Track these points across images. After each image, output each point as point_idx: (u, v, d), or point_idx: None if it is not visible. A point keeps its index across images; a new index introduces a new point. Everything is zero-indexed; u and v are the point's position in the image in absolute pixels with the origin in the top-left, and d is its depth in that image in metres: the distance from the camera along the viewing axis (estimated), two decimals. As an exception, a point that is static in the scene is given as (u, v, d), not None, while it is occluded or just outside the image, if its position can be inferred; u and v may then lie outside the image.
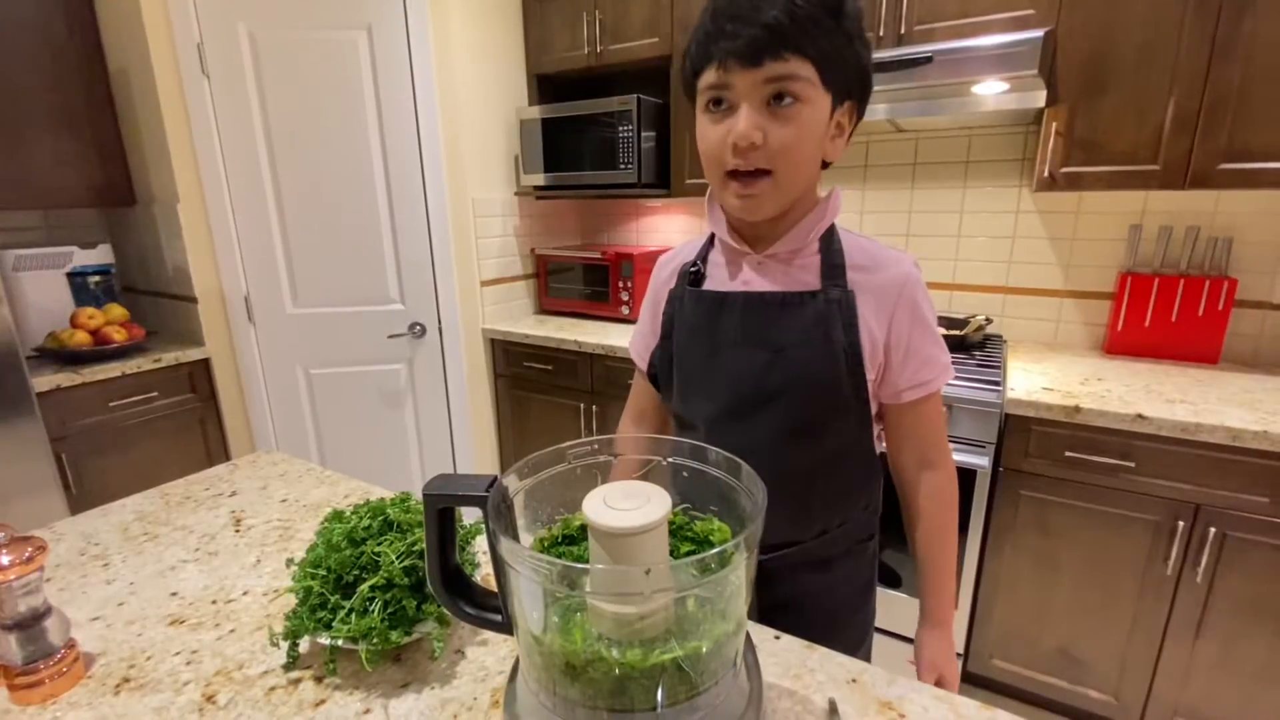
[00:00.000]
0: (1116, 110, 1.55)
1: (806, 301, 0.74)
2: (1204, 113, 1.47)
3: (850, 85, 0.69)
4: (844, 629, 0.88)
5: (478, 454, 2.54)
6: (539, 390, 2.42)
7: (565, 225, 2.86)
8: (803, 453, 0.77)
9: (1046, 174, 1.65)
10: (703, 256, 0.85)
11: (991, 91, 1.59)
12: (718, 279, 0.82)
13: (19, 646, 0.65)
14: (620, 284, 2.39)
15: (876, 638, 0.98)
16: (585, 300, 2.53)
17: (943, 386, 0.78)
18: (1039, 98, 1.57)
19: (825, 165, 0.75)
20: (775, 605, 0.83)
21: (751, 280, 0.78)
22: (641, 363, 0.95)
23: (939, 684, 0.84)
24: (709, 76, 0.68)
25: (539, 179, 2.43)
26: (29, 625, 0.65)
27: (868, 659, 0.90)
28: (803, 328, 0.74)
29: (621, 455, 0.59)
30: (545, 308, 2.69)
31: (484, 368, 2.51)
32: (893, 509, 0.91)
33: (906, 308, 0.75)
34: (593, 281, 2.48)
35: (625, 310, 2.41)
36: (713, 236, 0.85)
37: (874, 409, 0.79)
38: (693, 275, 0.83)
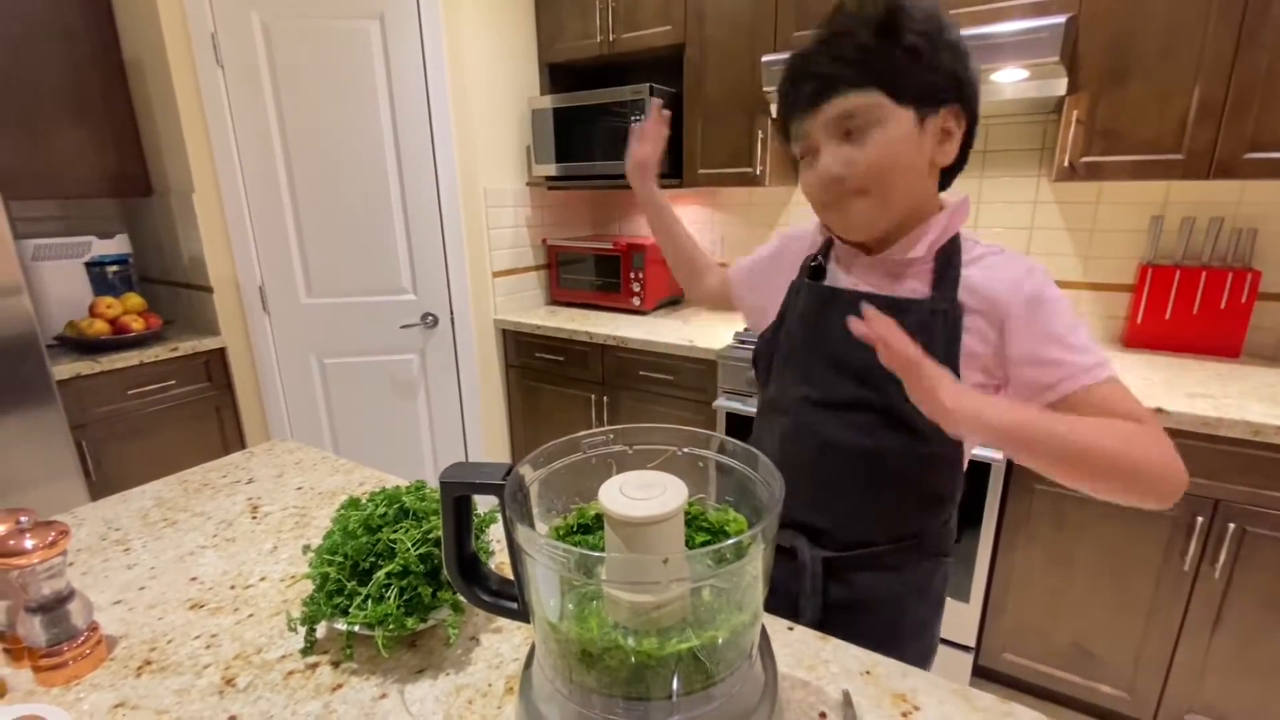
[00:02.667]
0: (1139, 98, 1.52)
1: (912, 308, 0.74)
2: (1230, 101, 1.44)
3: (938, 91, 0.70)
4: (908, 647, 0.85)
5: (489, 444, 2.56)
6: (550, 381, 2.42)
7: (577, 216, 2.85)
8: (892, 452, 0.77)
9: (1066, 164, 1.62)
10: (824, 251, 0.87)
11: (1011, 79, 1.56)
12: (834, 275, 0.85)
13: (43, 629, 0.66)
14: (631, 275, 2.39)
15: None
16: (596, 291, 2.52)
17: (1090, 384, 0.67)
18: (1060, 85, 1.54)
19: (949, 176, 0.77)
20: (841, 605, 0.83)
21: (861, 281, 0.81)
22: (737, 266, 1.05)
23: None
24: (793, 130, 0.76)
25: (550, 169, 2.42)
26: (53, 608, 0.66)
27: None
28: (906, 331, 0.68)
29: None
30: (556, 299, 2.69)
31: (495, 358, 2.52)
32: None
33: (1022, 318, 0.70)
34: (604, 272, 2.47)
35: (636, 301, 2.41)
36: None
37: None
38: (813, 269, 0.86)
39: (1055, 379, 0.69)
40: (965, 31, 1.52)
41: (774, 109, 0.83)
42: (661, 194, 1.10)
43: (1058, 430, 0.61)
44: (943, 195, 0.79)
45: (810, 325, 0.83)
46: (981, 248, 0.77)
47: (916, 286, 0.76)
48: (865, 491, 0.80)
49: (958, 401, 0.59)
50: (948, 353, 0.72)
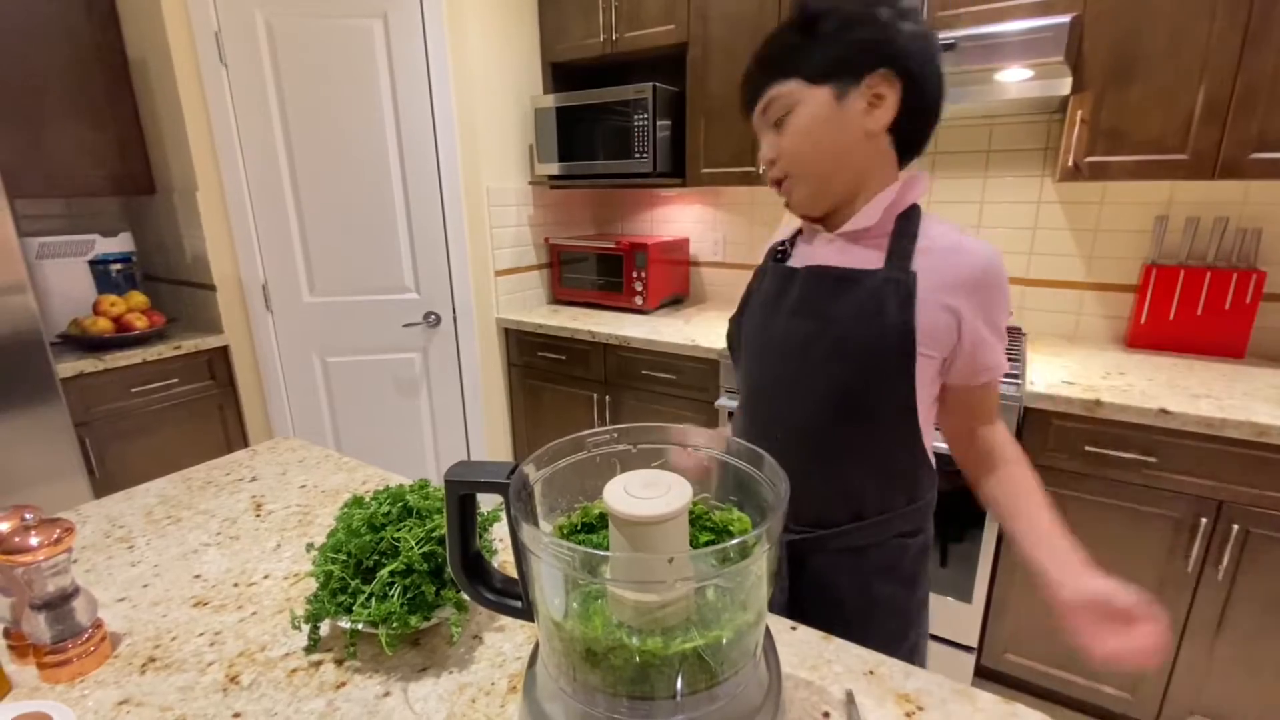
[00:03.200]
0: (1144, 98, 1.52)
1: (864, 278, 0.76)
2: (1235, 101, 1.43)
3: (855, 62, 0.72)
4: (880, 625, 0.85)
5: (491, 443, 2.56)
6: (552, 380, 2.42)
7: (579, 215, 2.85)
8: (845, 429, 0.78)
9: (1070, 163, 1.61)
10: (792, 239, 0.90)
11: (1015, 79, 1.56)
12: (797, 256, 0.87)
13: (48, 626, 0.66)
14: (634, 274, 2.39)
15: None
16: (599, 290, 2.52)
17: (998, 378, 0.81)
18: (1064, 85, 1.54)
19: (906, 151, 0.79)
20: (805, 593, 0.83)
21: (819, 256, 0.82)
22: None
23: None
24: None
25: (553, 168, 2.42)
26: (57, 605, 0.67)
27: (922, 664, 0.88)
28: (856, 303, 0.76)
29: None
30: (559, 298, 2.69)
31: (498, 357, 2.52)
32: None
33: (978, 296, 0.75)
34: (606, 272, 2.47)
35: (639, 300, 2.41)
36: None
37: (932, 395, 0.79)
38: (780, 254, 0.89)
39: (984, 367, 0.77)
40: (970, 31, 1.53)
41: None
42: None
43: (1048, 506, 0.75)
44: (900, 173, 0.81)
45: (768, 306, 0.85)
46: (943, 224, 0.79)
47: (872, 257, 0.78)
48: (819, 471, 0.80)
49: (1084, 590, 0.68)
50: (902, 318, 0.73)
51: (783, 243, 0.90)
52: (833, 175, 0.77)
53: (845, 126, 0.74)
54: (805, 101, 0.74)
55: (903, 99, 0.73)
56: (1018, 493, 0.78)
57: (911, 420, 0.78)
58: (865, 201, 0.78)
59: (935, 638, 1.74)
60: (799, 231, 0.90)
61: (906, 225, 0.77)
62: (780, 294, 0.84)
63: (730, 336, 0.95)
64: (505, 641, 0.72)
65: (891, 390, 0.76)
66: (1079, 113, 1.58)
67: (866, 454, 0.80)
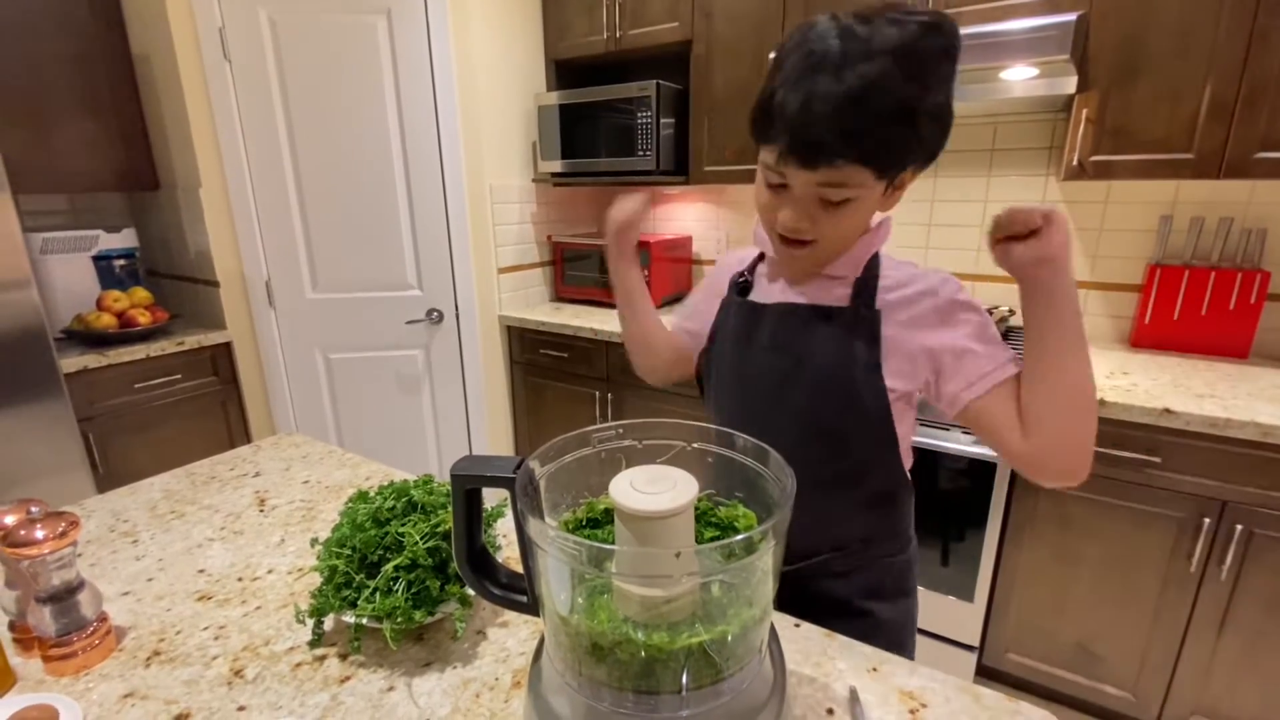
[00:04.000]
0: (1150, 97, 1.51)
1: (834, 315, 0.77)
2: (1241, 100, 1.43)
3: (913, 160, 0.69)
4: (872, 632, 0.83)
5: (493, 440, 2.56)
6: (554, 377, 2.42)
7: (582, 212, 2.85)
8: (823, 463, 0.77)
9: (1075, 162, 1.61)
10: (752, 268, 0.89)
11: (1020, 77, 1.55)
12: (761, 290, 0.87)
13: (53, 619, 0.66)
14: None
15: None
16: (601, 288, 2.52)
17: (1008, 377, 0.73)
18: (1070, 84, 1.53)
19: None
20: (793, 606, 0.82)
21: (788, 294, 0.82)
22: (677, 327, 1.03)
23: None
24: (766, 157, 0.70)
25: (556, 166, 2.42)
26: (62, 598, 0.67)
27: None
28: (827, 339, 0.77)
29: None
30: (561, 295, 2.69)
31: (500, 354, 2.52)
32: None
33: (937, 321, 0.75)
34: (609, 270, 2.46)
35: (642, 298, 2.40)
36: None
37: (909, 423, 0.80)
38: (740, 285, 0.88)
39: (992, 367, 0.73)
40: (975, 29, 1.53)
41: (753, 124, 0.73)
42: (640, 273, 1.02)
43: (1080, 327, 0.68)
44: None
45: (740, 344, 0.84)
46: (899, 262, 0.80)
47: (840, 294, 0.79)
48: (799, 504, 0.77)
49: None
50: (870, 354, 0.75)
51: (743, 273, 0.89)
52: (844, 250, 0.77)
53: (872, 212, 0.73)
54: (870, 193, 0.69)
55: None
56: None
57: (892, 455, 0.79)
58: (840, 254, 0.78)
59: (937, 637, 1.74)
60: (757, 262, 0.89)
61: (871, 266, 0.79)
62: (750, 329, 0.83)
63: (699, 370, 0.95)
64: (509, 637, 0.72)
65: (867, 423, 0.76)
66: (1084, 111, 1.57)
67: (845, 484, 0.80)
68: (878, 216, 0.78)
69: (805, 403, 0.78)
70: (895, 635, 0.89)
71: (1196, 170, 1.50)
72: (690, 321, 0.99)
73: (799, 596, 0.83)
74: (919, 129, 0.65)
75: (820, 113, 0.62)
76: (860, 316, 0.76)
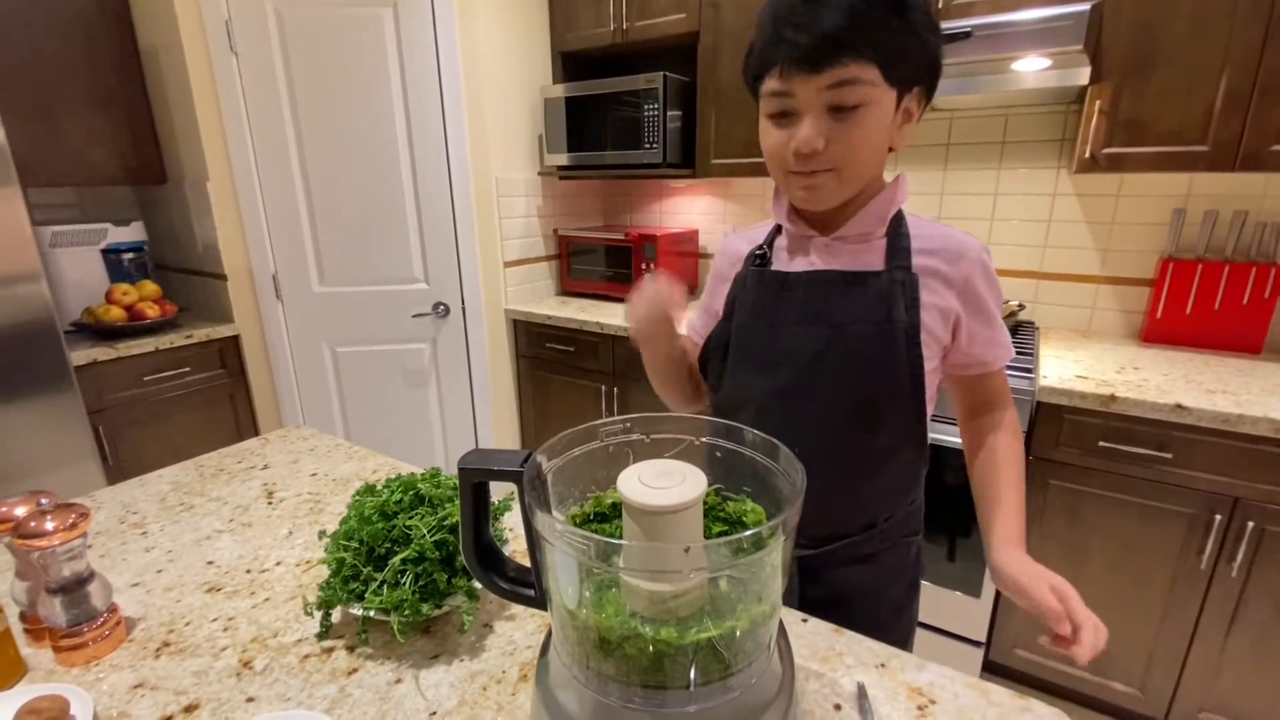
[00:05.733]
0: (1164, 88, 1.49)
1: (870, 281, 0.74)
2: (1257, 91, 1.40)
3: (918, 75, 0.69)
4: (888, 630, 0.83)
5: (499, 434, 2.56)
6: (560, 371, 2.42)
7: (588, 206, 2.84)
8: (859, 437, 0.77)
9: (1088, 155, 1.59)
10: (769, 242, 0.86)
11: (1032, 68, 1.53)
12: (782, 263, 0.83)
13: (63, 610, 0.66)
14: (643, 266, 2.38)
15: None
16: (607, 282, 2.52)
17: (1005, 363, 0.81)
18: (1082, 75, 1.51)
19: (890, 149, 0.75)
20: (818, 601, 0.81)
21: (817, 262, 0.79)
22: (694, 338, 0.98)
23: (1057, 592, 0.68)
24: (771, 83, 0.69)
25: (562, 159, 2.41)
26: (73, 589, 0.67)
27: None
28: (865, 306, 0.74)
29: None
30: (567, 289, 2.68)
31: (506, 348, 2.52)
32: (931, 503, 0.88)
33: (970, 291, 0.76)
34: (615, 263, 2.46)
35: (648, 292, 2.40)
36: (779, 225, 0.85)
37: (934, 390, 0.79)
38: (759, 259, 0.84)
39: (990, 358, 0.79)
40: (986, 19, 1.51)
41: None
42: (684, 353, 0.95)
43: (1021, 502, 0.78)
44: None
45: (763, 316, 0.81)
46: (927, 221, 0.79)
47: (871, 260, 0.76)
48: (835, 484, 0.77)
49: (1022, 567, 0.70)
50: (910, 319, 0.73)
51: (760, 248, 0.85)
52: (864, 180, 0.74)
53: (885, 140, 0.71)
54: (879, 101, 0.67)
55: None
56: (987, 478, 0.81)
57: (921, 426, 0.78)
58: (861, 205, 0.76)
59: (943, 632, 1.74)
60: (773, 236, 0.86)
61: (898, 225, 0.77)
62: (775, 302, 0.80)
63: (710, 348, 0.88)
64: (516, 630, 0.72)
65: (904, 393, 0.75)
66: (1097, 103, 1.55)
67: (880, 459, 0.78)
68: (889, 173, 0.76)
69: (844, 376, 0.75)
70: (909, 625, 0.90)
71: (1211, 163, 1.48)
72: (704, 312, 0.97)
73: (821, 583, 0.82)
74: (912, 22, 0.65)
75: (816, 13, 0.63)
76: (896, 280, 0.73)
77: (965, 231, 0.78)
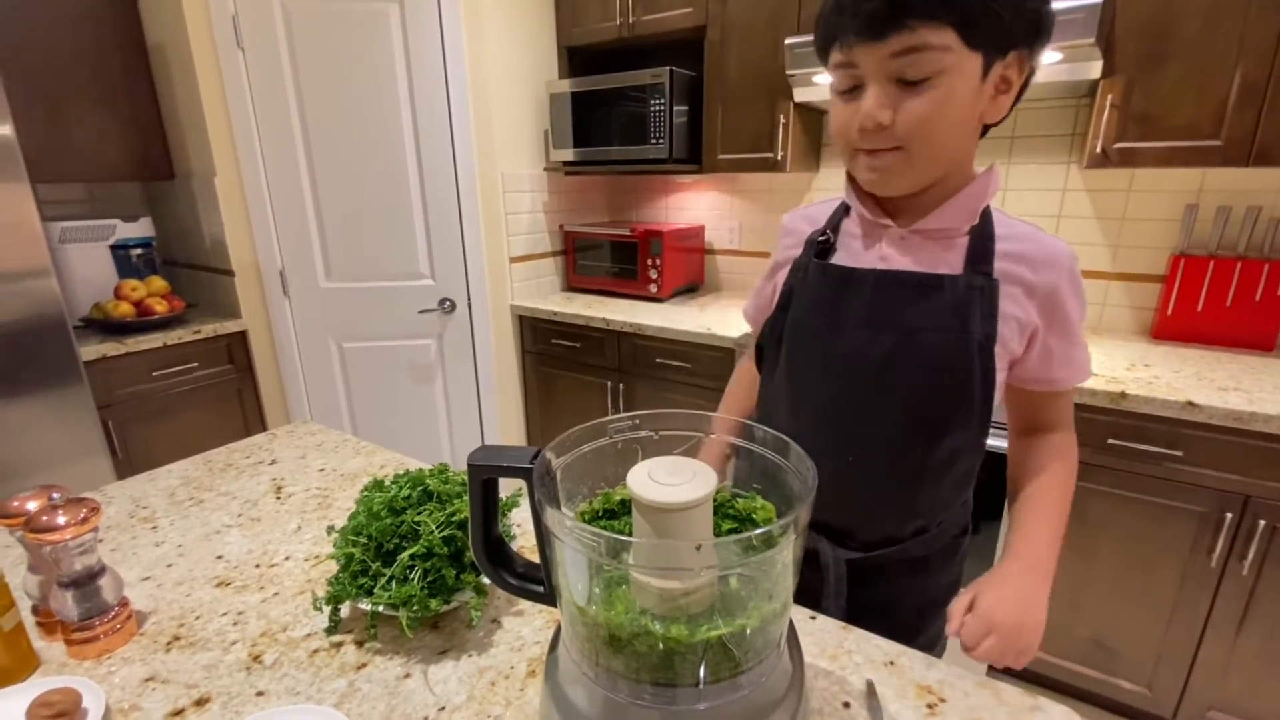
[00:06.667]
0: (1177, 82, 1.47)
1: (946, 285, 0.67)
2: (1272, 85, 1.38)
3: (1013, 35, 0.60)
4: (928, 628, 0.83)
5: (505, 430, 2.57)
6: (566, 368, 2.42)
7: (594, 201, 2.84)
8: (918, 449, 0.72)
9: (1099, 150, 1.57)
10: (834, 225, 0.78)
11: (1043, 61, 1.51)
12: (850, 252, 0.75)
13: (75, 603, 0.67)
14: (649, 262, 2.37)
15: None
16: (613, 278, 2.51)
17: (1077, 385, 0.75)
18: (1095, 68, 1.50)
19: (986, 130, 0.67)
20: (866, 607, 0.78)
21: (889, 256, 0.71)
22: (756, 327, 0.91)
23: (978, 650, 0.64)
24: (835, 56, 0.63)
25: (568, 154, 2.40)
26: (84, 583, 0.68)
27: (941, 654, 0.85)
28: (938, 313, 0.67)
29: (712, 435, 0.57)
30: (573, 285, 2.68)
31: (512, 344, 2.52)
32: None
33: (1055, 303, 0.69)
34: (621, 259, 2.46)
35: (653, 289, 2.40)
36: (847, 204, 0.78)
37: (996, 400, 0.73)
38: (821, 245, 0.76)
39: (1062, 375, 0.73)
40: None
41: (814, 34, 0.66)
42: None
43: (1058, 532, 0.74)
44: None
45: (826, 315, 0.74)
46: (1013, 219, 0.71)
47: (951, 260, 0.69)
48: (892, 490, 0.75)
49: (1030, 605, 0.67)
50: (986, 331, 0.67)
51: (824, 231, 0.77)
52: (944, 158, 0.65)
53: (978, 106, 0.62)
54: (958, 69, 0.58)
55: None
56: (1030, 507, 0.76)
57: (985, 432, 0.74)
58: (943, 194, 0.68)
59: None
60: (840, 218, 0.78)
61: (984, 223, 0.69)
62: (839, 299, 0.73)
63: (764, 337, 0.82)
64: (524, 626, 0.72)
65: (971, 408, 0.69)
66: (1109, 97, 1.54)
67: (938, 469, 0.73)
68: (981, 160, 0.69)
69: (910, 388, 0.69)
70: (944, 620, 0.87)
71: (1225, 158, 1.46)
72: (758, 297, 0.91)
73: (868, 585, 0.78)
74: None
75: None
76: (975, 286, 0.66)
77: (1055, 236, 0.71)
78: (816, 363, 0.75)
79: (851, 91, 0.64)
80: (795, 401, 0.78)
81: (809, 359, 0.76)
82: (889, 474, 0.73)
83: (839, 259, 0.76)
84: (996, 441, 1.04)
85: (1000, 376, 0.70)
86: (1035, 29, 0.61)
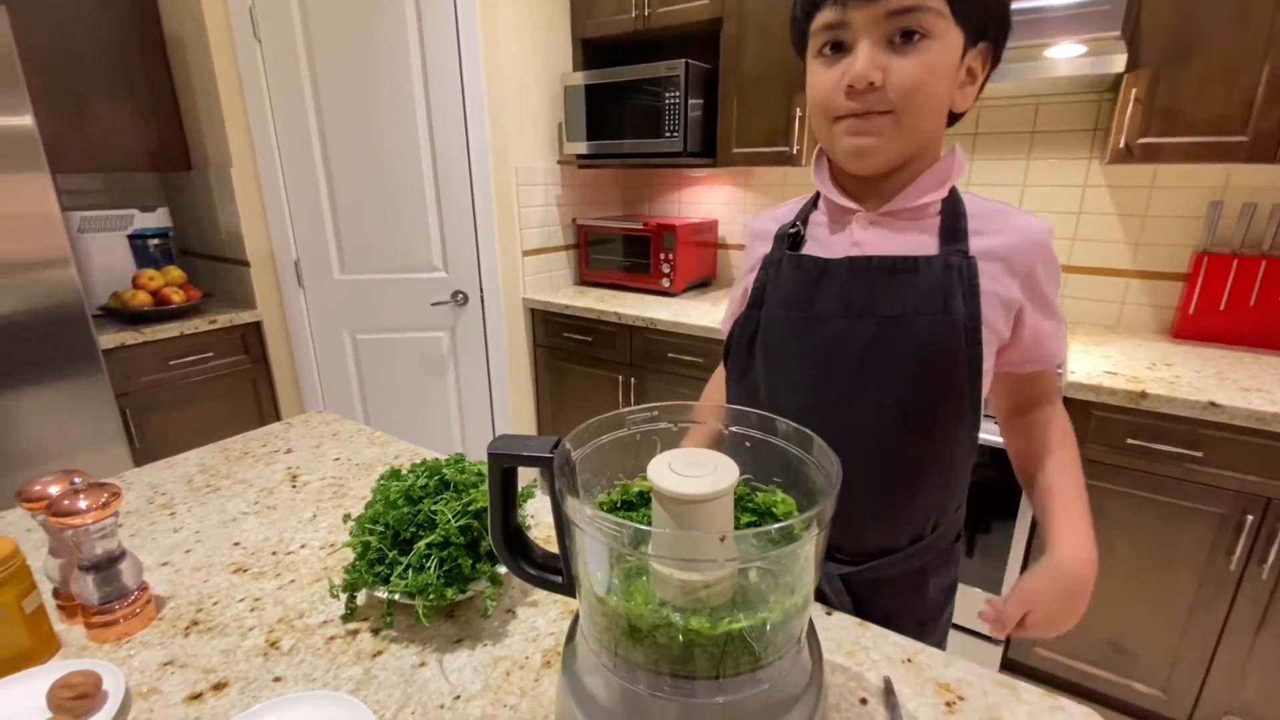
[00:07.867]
0: (1203, 76, 1.44)
1: (922, 267, 0.66)
2: (1302, 79, 1.36)
3: (986, 23, 0.62)
4: (929, 635, 0.80)
5: (516, 423, 2.57)
6: (578, 361, 2.42)
7: (607, 195, 2.83)
8: (909, 445, 0.69)
9: (1122, 145, 1.55)
10: (804, 217, 0.76)
11: (1066, 55, 1.49)
12: (820, 242, 0.73)
13: (96, 587, 0.68)
14: (661, 256, 2.36)
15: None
16: (625, 272, 2.51)
17: (1057, 364, 0.76)
18: (1118, 62, 1.47)
19: (953, 120, 0.68)
20: (865, 615, 0.75)
21: (861, 242, 0.69)
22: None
23: (1021, 623, 0.69)
24: (825, 15, 0.62)
25: (582, 147, 2.40)
26: (105, 567, 0.68)
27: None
28: (918, 296, 0.65)
29: (697, 423, 0.56)
30: (585, 278, 2.68)
31: (524, 337, 2.52)
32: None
33: (1036, 278, 0.68)
34: (633, 253, 2.45)
35: (666, 283, 2.39)
36: (818, 196, 0.76)
37: (985, 391, 0.71)
38: (791, 238, 0.74)
39: (1039, 356, 0.73)
40: (1019, 4, 1.47)
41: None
42: None
43: (1083, 495, 0.77)
44: None
45: (797, 307, 0.71)
46: (984, 199, 0.71)
47: (925, 242, 0.68)
48: (882, 496, 0.71)
49: (1086, 568, 0.74)
50: (969, 310, 0.65)
51: (792, 224, 0.75)
52: (920, 135, 0.65)
53: (951, 89, 0.63)
54: (944, 39, 0.60)
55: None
56: (1051, 488, 0.76)
57: (975, 429, 0.71)
58: (911, 175, 0.67)
59: (962, 629, 1.72)
60: (809, 210, 0.77)
61: (953, 203, 0.68)
62: (811, 291, 0.70)
63: (733, 338, 0.79)
64: (539, 616, 0.72)
65: (961, 394, 0.67)
66: (1133, 91, 1.51)
67: (931, 467, 0.71)
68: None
69: (896, 377, 0.67)
70: (944, 628, 0.85)
71: (1251, 153, 1.43)
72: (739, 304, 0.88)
73: (860, 601, 0.76)
74: None
75: None
76: (951, 265, 0.65)
77: (1027, 212, 0.70)
78: (793, 359, 0.72)
79: (834, 50, 0.63)
80: (771, 402, 0.74)
81: (784, 356, 0.73)
82: (878, 476, 0.69)
83: (810, 249, 0.74)
84: (991, 437, 1.03)
85: (988, 364, 0.68)
86: (1002, 24, 0.64)
